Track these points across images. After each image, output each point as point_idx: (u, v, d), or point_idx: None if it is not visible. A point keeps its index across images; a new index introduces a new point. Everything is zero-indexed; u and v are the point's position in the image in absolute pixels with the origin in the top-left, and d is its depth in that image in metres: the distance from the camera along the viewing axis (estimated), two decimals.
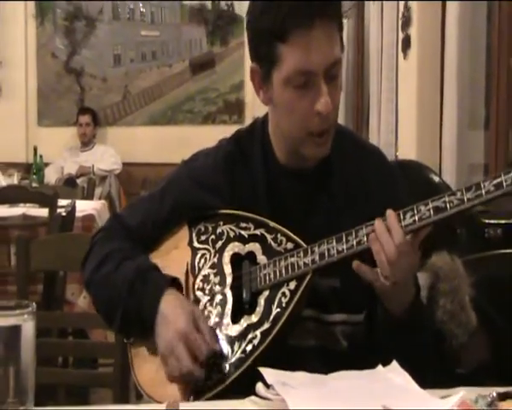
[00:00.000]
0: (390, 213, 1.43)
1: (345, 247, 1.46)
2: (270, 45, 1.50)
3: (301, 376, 1.33)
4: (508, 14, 4.32)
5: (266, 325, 1.48)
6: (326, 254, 1.47)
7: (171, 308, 1.53)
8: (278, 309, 1.49)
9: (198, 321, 1.51)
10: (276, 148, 1.66)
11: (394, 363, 1.36)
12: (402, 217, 1.43)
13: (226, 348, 1.50)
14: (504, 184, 1.33)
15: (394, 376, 1.33)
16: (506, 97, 4.35)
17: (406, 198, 1.53)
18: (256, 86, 1.60)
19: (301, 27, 1.46)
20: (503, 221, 3.07)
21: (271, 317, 1.49)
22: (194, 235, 1.65)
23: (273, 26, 1.49)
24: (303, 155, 1.59)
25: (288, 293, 1.50)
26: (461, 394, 1.23)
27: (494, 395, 1.25)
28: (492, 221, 3.05)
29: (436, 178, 3.70)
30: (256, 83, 1.60)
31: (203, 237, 1.63)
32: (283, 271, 1.51)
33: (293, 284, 1.50)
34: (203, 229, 1.64)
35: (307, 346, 1.57)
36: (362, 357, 1.45)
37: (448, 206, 1.39)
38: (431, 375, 1.47)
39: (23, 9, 7.64)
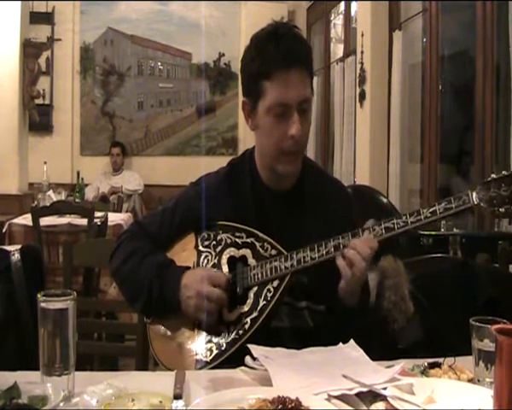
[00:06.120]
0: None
1: (316, 255, 1.46)
2: (258, 82, 1.51)
3: (279, 350, 1.33)
4: (435, 77, 4.38)
5: (255, 314, 1.48)
6: (302, 260, 1.47)
7: (188, 278, 1.51)
8: (264, 302, 1.49)
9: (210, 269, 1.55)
10: (260, 170, 1.64)
11: (351, 341, 1.36)
12: (361, 234, 1.44)
13: (224, 331, 1.48)
14: (438, 212, 1.38)
15: (352, 351, 1.34)
16: (435, 139, 4.40)
17: (356, 218, 1.54)
18: (246, 115, 1.60)
19: (281, 70, 1.48)
20: (433, 233, 3.09)
21: (259, 307, 1.48)
22: (199, 240, 1.62)
23: (261, 68, 1.50)
24: (277, 170, 1.58)
25: (272, 289, 1.50)
26: (401, 364, 1.24)
27: (426, 364, 1.29)
28: (425, 232, 3.06)
29: (384, 200, 3.71)
30: (245, 113, 1.60)
31: (206, 243, 1.61)
32: (268, 272, 1.50)
33: (276, 283, 1.50)
34: (206, 236, 1.61)
35: (283, 326, 1.56)
36: (324, 335, 1.45)
37: (396, 226, 1.41)
38: (378, 350, 1.47)
39: (71, 67, 7.63)
